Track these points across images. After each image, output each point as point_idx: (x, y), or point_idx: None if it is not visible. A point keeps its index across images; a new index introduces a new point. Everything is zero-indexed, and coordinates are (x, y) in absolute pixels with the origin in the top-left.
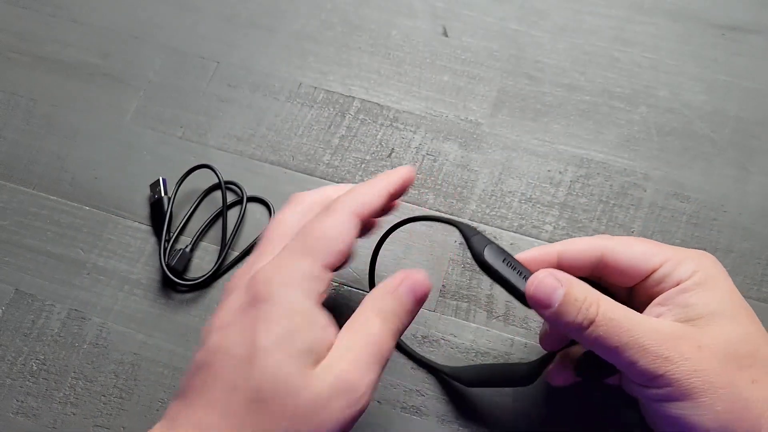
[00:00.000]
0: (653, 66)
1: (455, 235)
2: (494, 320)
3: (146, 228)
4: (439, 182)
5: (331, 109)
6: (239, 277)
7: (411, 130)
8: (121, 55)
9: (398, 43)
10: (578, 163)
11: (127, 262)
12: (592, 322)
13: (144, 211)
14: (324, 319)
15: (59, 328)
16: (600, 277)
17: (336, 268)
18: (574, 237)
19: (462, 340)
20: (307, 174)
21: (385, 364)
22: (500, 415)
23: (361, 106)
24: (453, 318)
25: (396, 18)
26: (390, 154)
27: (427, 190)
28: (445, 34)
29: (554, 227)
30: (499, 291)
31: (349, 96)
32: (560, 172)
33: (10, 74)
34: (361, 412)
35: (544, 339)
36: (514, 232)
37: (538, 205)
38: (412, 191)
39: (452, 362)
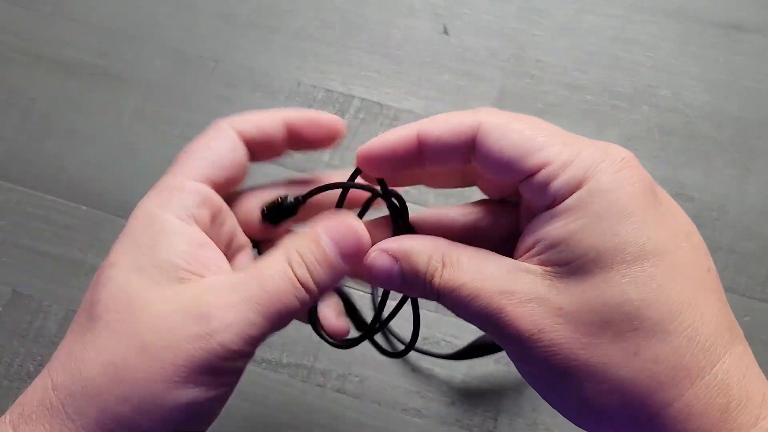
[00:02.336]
0: (655, 65)
1: None
2: None
3: None
4: None
5: (331, 108)
6: None
7: None
8: (120, 54)
9: (398, 42)
10: None
11: None
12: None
13: None
14: (197, 237)
15: (57, 329)
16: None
17: (225, 187)
18: None
19: (463, 341)
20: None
21: (277, 321)
22: (501, 418)
23: (361, 105)
24: (454, 319)
25: (396, 17)
26: None
27: (428, 190)
28: (446, 33)
29: None
30: None
31: (349, 95)
32: None
33: (8, 74)
34: (222, 357)
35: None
36: None
37: None
38: (412, 191)
39: (453, 362)
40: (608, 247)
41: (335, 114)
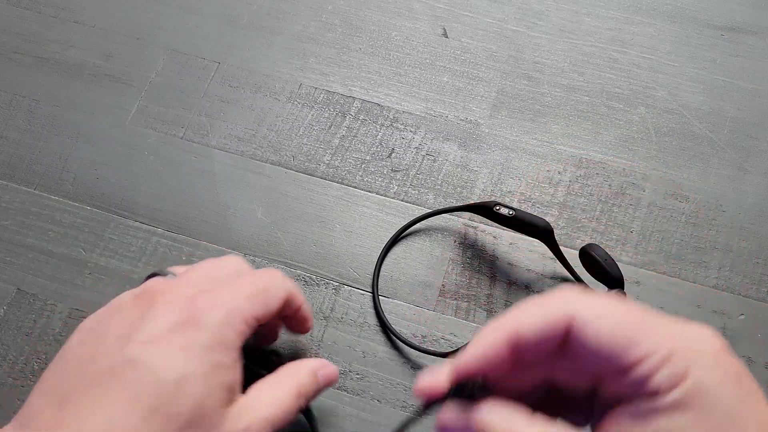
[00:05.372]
0: (651, 67)
1: (455, 234)
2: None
3: (147, 228)
4: (439, 182)
5: (332, 110)
6: (171, 289)
7: (411, 131)
8: (122, 55)
9: (398, 44)
10: (577, 164)
11: (129, 261)
12: None
13: (145, 210)
14: (241, 361)
15: (61, 328)
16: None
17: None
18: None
19: (462, 339)
20: (308, 174)
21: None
22: None
23: (361, 107)
24: (453, 317)
25: (396, 19)
26: (390, 154)
27: (427, 190)
28: (445, 35)
29: (554, 227)
30: (499, 291)
31: (350, 96)
32: (559, 173)
33: (12, 75)
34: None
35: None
36: (514, 233)
37: (538, 205)
38: (411, 191)
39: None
40: None
41: (336, 115)
